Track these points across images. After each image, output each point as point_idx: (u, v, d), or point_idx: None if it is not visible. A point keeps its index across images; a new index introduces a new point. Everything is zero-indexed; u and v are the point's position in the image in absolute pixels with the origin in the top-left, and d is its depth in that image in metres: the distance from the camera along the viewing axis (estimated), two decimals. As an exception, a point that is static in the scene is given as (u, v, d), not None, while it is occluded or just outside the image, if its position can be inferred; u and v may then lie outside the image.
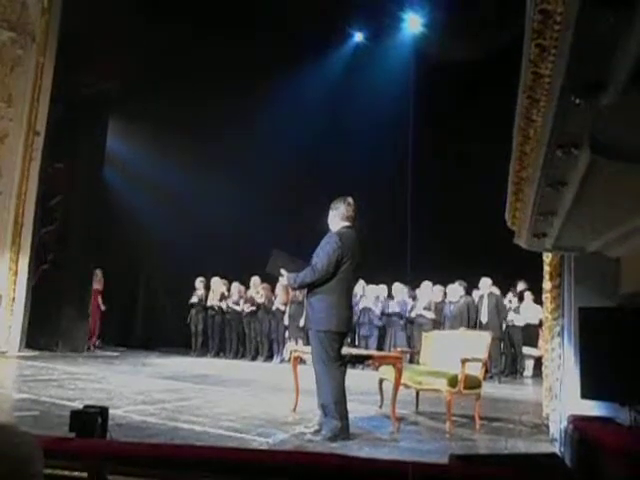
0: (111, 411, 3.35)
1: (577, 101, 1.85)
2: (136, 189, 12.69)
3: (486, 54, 9.84)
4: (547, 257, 4.79)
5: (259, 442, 4.31)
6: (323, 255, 4.73)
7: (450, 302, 10.53)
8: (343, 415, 4.60)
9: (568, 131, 2.13)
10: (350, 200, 4.97)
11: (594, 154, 2.22)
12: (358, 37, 13.57)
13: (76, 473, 2.31)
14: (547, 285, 4.81)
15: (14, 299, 9.76)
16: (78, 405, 3.43)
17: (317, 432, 4.63)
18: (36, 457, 1.25)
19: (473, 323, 10.31)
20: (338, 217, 4.92)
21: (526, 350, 10.69)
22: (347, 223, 4.92)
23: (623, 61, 1.64)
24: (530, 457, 3.17)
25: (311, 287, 4.82)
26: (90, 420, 2.68)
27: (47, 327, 10.48)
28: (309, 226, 5.12)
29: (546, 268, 4.80)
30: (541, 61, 1.95)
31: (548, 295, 4.81)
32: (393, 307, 11.20)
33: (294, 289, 5.27)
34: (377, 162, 12.05)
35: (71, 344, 10.72)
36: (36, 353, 9.90)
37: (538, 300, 8.28)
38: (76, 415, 2.75)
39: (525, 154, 2.66)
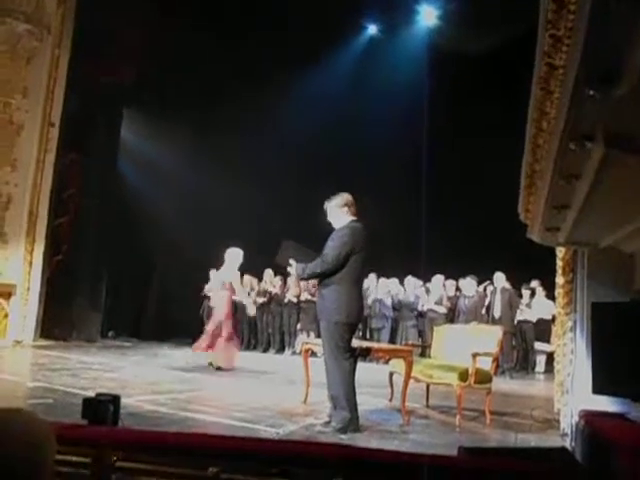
0: (123, 400, 3.38)
1: (591, 92, 1.83)
2: (150, 180, 12.74)
3: (501, 46, 9.76)
4: (560, 252, 4.76)
5: (269, 433, 4.33)
6: (334, 247, 4.75)
7: (465, 296, 10.49)
8: (353, 407, 4.61)
9: (582, 123, 2.11)
10: (349, 195, 4.99)
11: (608, 147, 2.20)
12: (372, 30, 13.52)
13: (88, 459, 2.33)
14: (560, 280, 4.78)
15: (29, 289, 9.87)
16: (91, 394, 3.46)
17: (327, 424, 4.64)
18: (49, 444, 1.27)
19: (487, 318, 10.28)
20: (343, 213, 4.93)
21: (539, 345, 10.64)
22: (354, 217, 4.94)
23: (637, 52, 1.62)
24: (539, 450, 3.16)
25: (321, 278, 4.83)
26: (102, 408, 2.72)
27: (61, 317, 10.59)
28: (321, 219, 5.11)
29: (559, 263, 4.77)
30: (555, 52, 1.94)
31: (560, 290, 4.78)
32: (405, 300, 11.18)
33: (302, 279, 5.22)
34: (390, 155, 12.01)
35: (85, 334, 10.84)
36: (51, 343, 10.01)
37: (551, 295, 8.24)
38: (88, 403, 2.78)
39: (538, 146, 2.65)
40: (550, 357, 9.54)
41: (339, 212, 4.94)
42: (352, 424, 4.55)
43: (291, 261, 4.98)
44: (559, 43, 1.86)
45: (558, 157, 2.43)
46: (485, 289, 10.64)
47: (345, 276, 4.75)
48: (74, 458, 2.26)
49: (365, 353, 5.46)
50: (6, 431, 1.18)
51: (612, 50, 1.67)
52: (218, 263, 12.63)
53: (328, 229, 4.99)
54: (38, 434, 1.22)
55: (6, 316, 9.63)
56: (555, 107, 2.17)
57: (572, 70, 1.84)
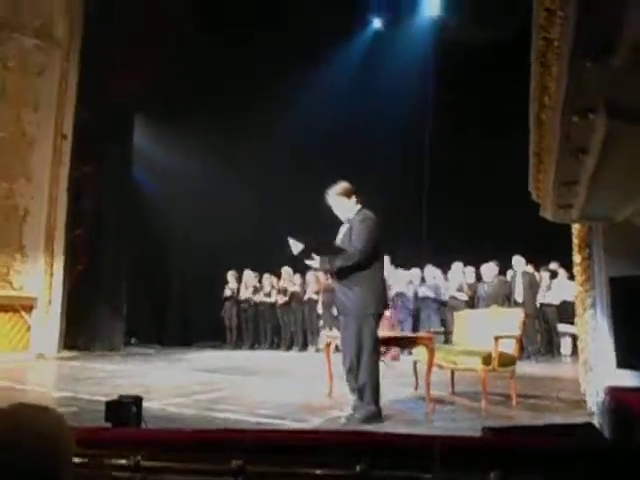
0: (148, 404, 3.41)
1: (588, 64, 1.82)
2: (165, 185, 12.81)
3: (505, 35, 9.67)
4: (575, 229, 4.72)
5: (295, 427, 4.35)
6: (364, 239, 4.68)
7: (484, 282, 10.41)
8: (377, 398, 4.62)
9: (582, 96, 2.09)
10: (347, 183, 4.96)
11: (611, 118, 2.18)
12: (377, 24, 13.52)
13: (112, 461, 2.36)
14: (577, 258, 4.74)
15: (50, 302, 9.95)
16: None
17: (352, 416, 4.64)
18: (63, 435, 1.28)
19: (508, 302, 10.21)
20: (351, 201, 4.90)
21: (563, 327, 10.51)
22: (360, 204, 4.92)
23: (631, 21, 1.60)
24: (564, 427, 3.14)
25: (350, 271, 4.69)
26: (125, 410, 2.75)
27: (84, 328, 10.65)
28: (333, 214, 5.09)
29: (575, 240, 4.73)
30: (550, 25, 1.92)
31: (578, 268, 4.74)
32: (426, 290, 11.14)
33: (329, 272, 5.10)
34: (400, 145, 11.98)
35: (108, 343, 10.90)
36: (74, 353, 10.07)
37: (573, 276, 8.15)
38: (111, 405, 2.82)
39: (542, 123, 2.63)
40: (576, 338, 9.44)
41: (346, 201, 4.90)
42: (376, 416, 4.55)
43: (314, 255, 4.89)
44: (553, 16, 1.85)
45: (562, 132, 2.41)
46: (504, 273, 10.57)
47: (375, 266, 4.73)
48: (103, 461, 2.29)
49: (387, 343, 5.45)
50: (18, 424, 1.21)
51: (605, 21, 1.66)
52: (235, 265, 12.74)
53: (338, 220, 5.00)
54: (50, 426, 1.25)
55: (28, 329, 9.72)
56: (555, 81, 2.16)
57: (568, 43, 1.82)
